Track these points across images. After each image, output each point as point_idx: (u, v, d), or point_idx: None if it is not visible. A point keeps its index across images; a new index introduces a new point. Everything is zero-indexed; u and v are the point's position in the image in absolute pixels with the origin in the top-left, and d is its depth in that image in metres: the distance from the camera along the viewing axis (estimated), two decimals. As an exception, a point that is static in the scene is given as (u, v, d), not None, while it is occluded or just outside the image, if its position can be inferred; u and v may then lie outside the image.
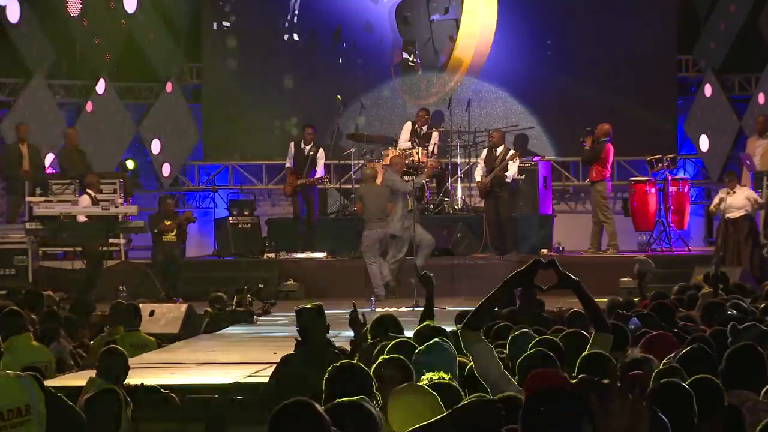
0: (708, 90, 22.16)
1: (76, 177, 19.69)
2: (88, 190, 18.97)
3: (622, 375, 4.15)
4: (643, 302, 12.14)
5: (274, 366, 8.70)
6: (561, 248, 19.74)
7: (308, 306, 8.56)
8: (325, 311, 8.64)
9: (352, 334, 9.65)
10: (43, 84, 21.52)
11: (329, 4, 22.61)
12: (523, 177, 20.29)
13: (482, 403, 4.78)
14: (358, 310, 9.77)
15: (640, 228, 20.28)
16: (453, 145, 21.23)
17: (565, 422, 4.22)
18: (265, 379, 8.90)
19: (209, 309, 15.04)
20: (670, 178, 20.15)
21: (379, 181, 20.07)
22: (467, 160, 21.39)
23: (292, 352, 8.52)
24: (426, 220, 19.04)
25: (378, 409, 5.44)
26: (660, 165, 20.15)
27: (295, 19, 22.58)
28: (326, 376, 6.00)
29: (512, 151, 19.76)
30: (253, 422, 8.28)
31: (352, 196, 20.08)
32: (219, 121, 22.98)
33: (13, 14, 21.09)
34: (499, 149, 19.63)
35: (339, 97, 21.20)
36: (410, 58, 22.44)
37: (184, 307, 14.71)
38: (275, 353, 10.25)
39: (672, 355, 7.06)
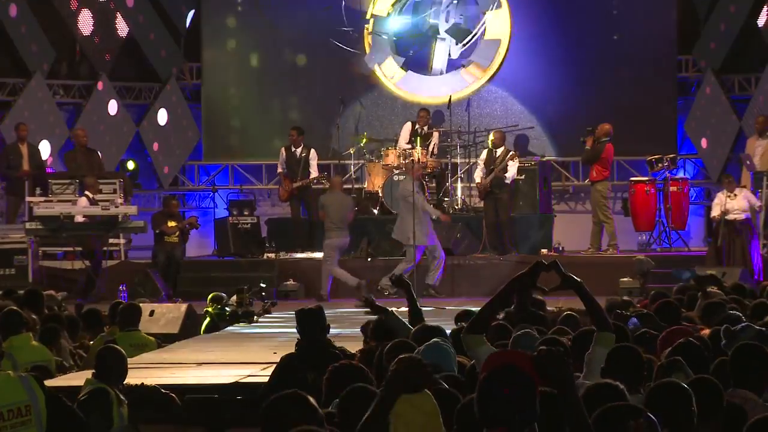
0: (708, 90, 22.16)
1: (77, 177, 19.69)
2: (86, 192, 18.98)
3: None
4: (643, 302, 12.16)
5: (274, 366, 8.70)
6: (561, 248, 19.73)
7: (308, 306, 8.57)
8: (325, 311, 8.64)
9: (353, 334, 9.64)
10: (42, 84, 21.51)
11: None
12: (523, 177, 20.28)
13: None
14: (356, 309, 9.77)
15: (640, 228, 20.28)
16: (453, 145, 21.22)
17: (517, 401, 4.39)
18: (265, 379, 8.90)
19: (209, 309, 15.03)
20: (670, 178, 20.15)
21: (378, 182, 20.11)
22: (467, 160, 21.38)
23: (292, 352, 8.52)
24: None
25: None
26: (660, 165, 20.15)
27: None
28: (326, 375, 6.02)
29: (512, 152, 19.76)
30: (253, 422, 8.28)
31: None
32: (219, 121, 22.99)
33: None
34: (499, 150, 19.62)
35: (358, 103, 21.25)
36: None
37: (184, 307, 14.71)
38: (275, 353, 10.25)
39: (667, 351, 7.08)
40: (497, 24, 22.30)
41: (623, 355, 6.46)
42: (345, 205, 18.59)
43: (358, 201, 20.11)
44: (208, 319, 14.85)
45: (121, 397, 7.97)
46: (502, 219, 19.44)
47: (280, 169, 20.38)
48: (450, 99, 21.42)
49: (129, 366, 8.58)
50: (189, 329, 14.33)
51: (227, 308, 15.04)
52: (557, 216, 20.83)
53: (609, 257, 19.23)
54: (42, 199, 19.20)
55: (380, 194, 20.03)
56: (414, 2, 22.35)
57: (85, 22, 22.04)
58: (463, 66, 22.34)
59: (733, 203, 18.59)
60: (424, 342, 6.98)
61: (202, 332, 14.54)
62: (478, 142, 21.34)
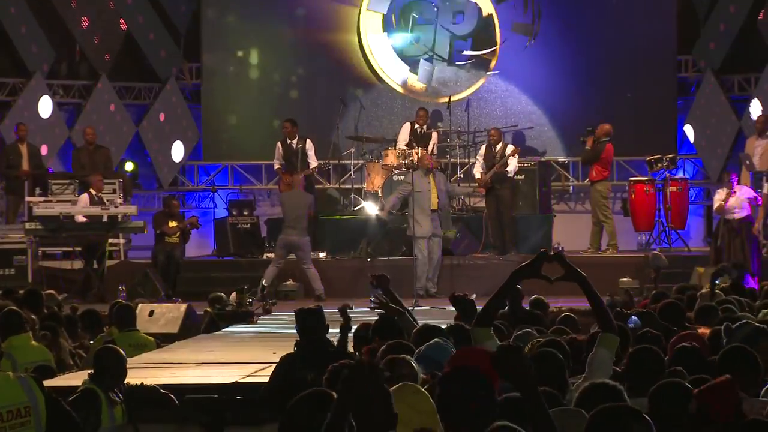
0: (707, 90, 22.16)
1: (79, 177, 19.67)
2: (91, 189, 18.94)
3: None
4: (643, 302, 12.16)
5: (274, 366, 8.70)
6: (561, 248, 19.71)
7: (307, 306, 8.57)
8: (325, 311, 8.63)
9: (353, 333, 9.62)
10: (42, 84, 21.51)
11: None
12: (522, 177, 20.28)
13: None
14: (354, 309, 9.76)
15: (639, 228, 20.27)
16: (452, 145, 21.23)
17: (474, 402, 4.41)
18: (265, 379, 8.89)
19: (209, 309, 15.03)
20: (669, 178, 20.15)
21: (378, 182, 20.09)
22: (467, 160, 21.39)
23: (292, 351, 8.52)
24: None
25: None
26: (659, 165, 20.15)
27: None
28: (326, 375, 6.01)
29: (512, 147, 19.77)
30: (252, 422, 8.28)
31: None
32: (218, 121, 22.98)
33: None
34: (498, 146, 19.63)
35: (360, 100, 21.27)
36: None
37: (183, 307, 14.71)
38: (275, 353, 10.24)
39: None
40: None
41: (644, 358, 6.45)
42: (301, 203, 18.55)
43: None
44: (207, 319, 14.83)
45: (114, 398, 7.96)
46: (505, 218, 19.43)
47: (277, 165, 20.33)
48: (450, 99, 21.43)
49: (129, 366, 8.57)
50: (189, 329, 14.33)
51: (227, 308, 15.05)
52: (557, 216, 20.83)
53: (609, 257, 19.22)
54: (42, 199, 19.19)
55: (380, 194, 20.02)
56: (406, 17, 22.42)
57: (85, 23, 22.04)
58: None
59: (732, 201, 18.57)
60: (422, 342, 6.98)
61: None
62: (478, 142, 21.35)
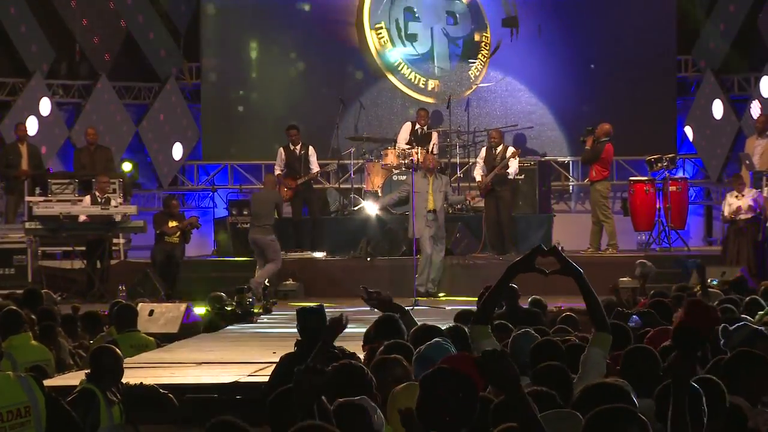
0: (707, 90, 22.16)
1: (79, 177, 19.67)
2: (95, 191, 18.92)
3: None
4: (643, 302, 12.15)
5: (274, 366, 8.68)
6: (561, 248, 19.68)
7: (309, 305, 8.53)
8: (326, 311, 8.60)
9: (353, 333, 9.60)
10: (42, 84, 21.51)
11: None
12: (522, 177, 20.29)
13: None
14: (351, 309, 9.74)
15: (639, 228, 20.28)
16: (452, 145, 21.23)
17: (454, 404, 4.42)
18: (265, 379, 8.88)
19: (209, 309, 15.03)
20: (669, 178, 20.15)
21: (378, 182, 20.09)
22: (467, 160, 21.40)
23: (292, 351, 8.51)
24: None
25: (378, 409, 5.45)
26: (659, 165, 20.15)
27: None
28: (326, 376, 6.00)
29: (512, 149, 19.77)
30: (252, 422, 8.27)
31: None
32: (218, 121, 22.98)
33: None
34: (498, 148, 19.63)
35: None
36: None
37: (183, 307, 14.70)
38: (275, 353, 10.24)
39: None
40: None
41: (637, 357, 6.42)
42: (267, 202, 18.59)
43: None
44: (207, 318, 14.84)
45: (112, 397, 7.96)
46: (503, 218, 19.44)
47: (278, 171, 20.32)
48: (449, 99, 21.45)
49: (128, 366, 8.57)
50: (188, 329, 14.33)
51: (227, 308, 15.05)
52: (556, 216, 20.84)
53: (608, 257, 19.21)
54: (41, 198, 19.19)
55: (380, 194, 20.03)
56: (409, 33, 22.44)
57: (85, 22, 22.06)
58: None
59: (740, 203, 18.58)
60: (420, 342, 6.97)
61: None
62: (478, 142, 21.36)
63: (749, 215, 18.52)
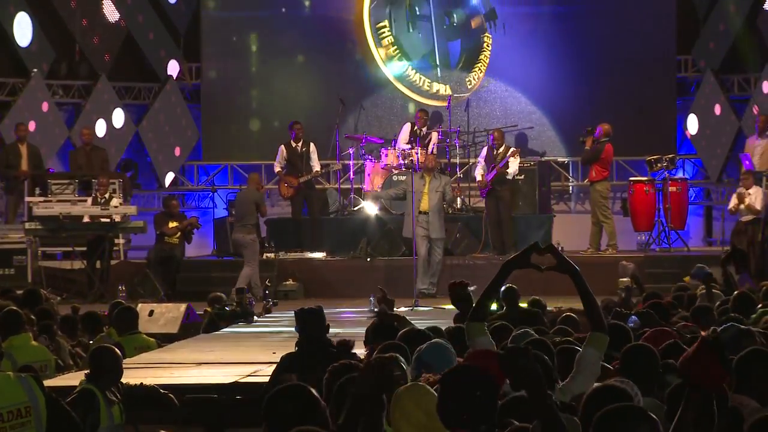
0: (707, 90, 22.16)
1: (77, 177, 19.67)
2: (97, 193, 18.90)
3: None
4: (639, 305, 12.15)
5: (274, 366, 8.69)
6: (560, 248, 19.70)
7: (308, 307, 8.55)
8: (325, 311, 8.62)
9: (352, 334, 9.62)
10: (41, 84, 21.51)
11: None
12: (522, 177, 20.30)
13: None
14: (351, 309, 9.76)
15: (639, 228, 20.28)
16: (452, 145, 21.24)
17: (475, 399, 4.41)
18: (265, 379, 8.89)
19: (209, 309, 15.03)
20: (669, 178, 20.15)
21: (378, 182, 20.10)
22: (467, 161, 21.40)
23: (292, 351, 8.52)
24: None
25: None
26: (659, 165, 20.15)
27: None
28: (326, 376, 6.01)
29: (513, 148, 19.77)
30: (252, 423, 8.28)
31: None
32: (218, 121, 22.98)
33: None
34: (501, 148, 19.63)
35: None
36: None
37: (183, 307, 14.71)
38: (275, 353, 10.25)
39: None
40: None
41: (637, 355, 6.41)
42: (248, 201, 18.59)
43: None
44: (207, 319, 14.83)
45: (112, 397, 7.96)
46: (504, 218, 19.44)
47: (278, 168, 20.30)
48: (449, 99, 21.46)
49: (128, 366, 8.58)
50: (188, 329, 14.33)
51: (227, 308, 15.04)
52: (556, 216, 20.84)
53: (608, 257, 19.20)
54: (41, 199, 19.19)
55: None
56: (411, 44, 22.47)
57: (85, 22, 22.07)
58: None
59: (749, 201, 18.56)
60: (412, 343, 6.98)
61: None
62: (478, 142, 21.37)
63: (749, 217, 18.48)
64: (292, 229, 20.40)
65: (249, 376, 10.11)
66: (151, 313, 14.34)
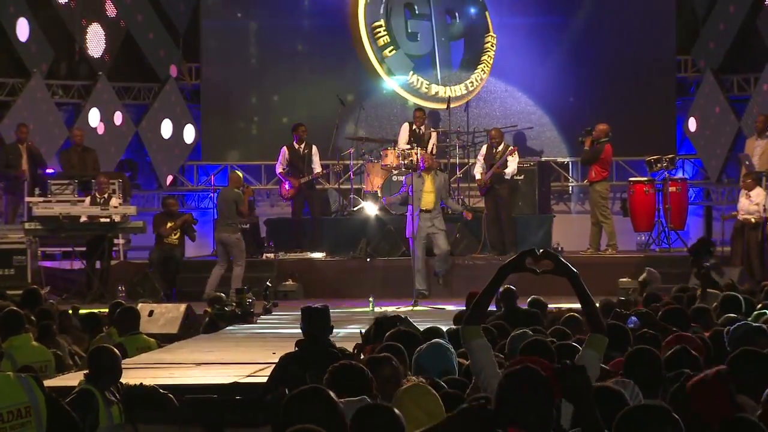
0: (707, 90, 22.16)
1: (74, 177, 19.68)
2: (95, 193, 18.91)
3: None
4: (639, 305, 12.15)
5: (273, 366, 8.69)
6: (560, 249, 19.73)
7: (314, 305, 8.53)
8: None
9: (352, 334, 9.63)
10: (41, 84, 21.51)
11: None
12: (522, 177, 20.29)
13: (471, 409, 4.78)
14: (353, 309, 9.76)
15: (639, 228, 20.28)
16: (452, 145, 21.24)
17: (533, 401, 4.43)
18: (264, 380, 8.89)
19: (209, 309, 15.04)
20: (669, 179, 20.15)
21: (377, 182, 20.09)
22: (466, 161, 21.40)
23: (291, 351, 8.52)
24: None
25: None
26: (659, 165, 20.15)
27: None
28: (326, 376, 6.01)
29: (511, 147, 19.77)
30: (251, 423, 8.27)
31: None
32: (218, 121, 22.98)
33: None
34: (500, 147, 19.63)
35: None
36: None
37: (183, 307, 14.71)
38: (274, 353, 10.24)
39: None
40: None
41: (640, 358, 6.41)
42: (228, 200, 18.61)
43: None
44: (207, 319, 14.83)
45: (111, 397, 7.96)
46: (504, 218, 19.44)
47: (280, 169, 20.29)
48: (449, 99, 21.46)
49: (128, 366, 8.57)
50: (188, 329, 14.33)
51: (227, 308, 15.05)
52: (556, 216, 20.84)
53: (608, 257, 19.21)
54: (41, 199, 19.19)
55: (379, 194, 20.04)
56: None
57: (85, 22, 22.07)
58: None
59: (745, 203, 18.57)
60: (403, 342, 6.99)
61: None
62: (477, 143, 21.37)
63: (750, 217, 18.48)
64: (292, 230, 20.40)
65: (249, 376, 10.10)
66: (151, 313, 14.34)
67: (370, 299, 16.43)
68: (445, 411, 5.61)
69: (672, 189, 20.00)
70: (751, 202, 18.57)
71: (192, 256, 20.78)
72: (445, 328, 8.61)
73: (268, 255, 19.92)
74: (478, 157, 20.00)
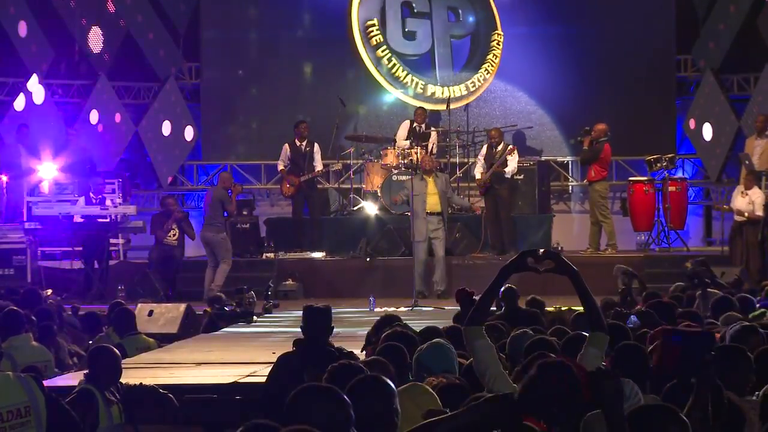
0: (707, 90, 22.16)
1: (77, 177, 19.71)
2: (91, 193, 18.94)
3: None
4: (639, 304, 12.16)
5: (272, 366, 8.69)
6: (560, 248, 19.73)
7: (317, 305, 8.52)
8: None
9: (352, 334, 9.62)
10: (41, 84, 21.50)
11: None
12: (521, 177, 20.30)
13: (495, 397, 4.81)
14: (351, 309, 9.75)
15: (638, 228, 20.28)
16: (452, 145, 21.24)
17: (560, 395, 4.43)
18: (264, 379, 8.89)
19: (208, 309, 15.04)
20: (668, 178, 20.15)
21: (377, 182, 20.08)
22: (466, 160, 21.40)
23: (290, 351, 8.51)
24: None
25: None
26: (659, 165, 20.15)
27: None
28: (325, 375, 6.01)
29: (510, 146, 19.76)
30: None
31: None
32: (218, 121, 22.99)
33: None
34: (499, 146, 19.63)
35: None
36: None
37: (182, 307, 14.71)
38: (274, 353, 10.24)
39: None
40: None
41: (628, 354, 6.43)
42: (214, 199, 18.61)
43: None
44: (207, 319, 14.83)
45: (111, 397, 7.97)
46: (503, 217, 19.45)
47: (282, 166, 20.29)
48: (449, 99, 21.46)
49: (128, 366, 8.58)
50: (188, 329, 14.33)
51: (227, 308, 15.05)
52: (556, 216, 20.84)
53: (608, 257, 19.19)
54: (41, 199, 19.19)
55: (379, 194, 20.04)
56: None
57: (85, 22, 22.07)
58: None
59: (742, 202, 18.55)
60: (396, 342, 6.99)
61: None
62: (477, 142, 21.38)
63: (745, 216, 18.46)
64: (292, 229, 20.40)
65: (249, 376, 10.11)
66: (150, 313, 14.34)
67: (371, 299, 16.46)
68: (443, 406, 5.63)
69: (672, 188, 20.00)
70: (746, 201, 18.55)
71: (191, 256, 20.79)
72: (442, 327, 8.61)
73: (268, 255, 19.92)
74: (478, 156, 20.01)
